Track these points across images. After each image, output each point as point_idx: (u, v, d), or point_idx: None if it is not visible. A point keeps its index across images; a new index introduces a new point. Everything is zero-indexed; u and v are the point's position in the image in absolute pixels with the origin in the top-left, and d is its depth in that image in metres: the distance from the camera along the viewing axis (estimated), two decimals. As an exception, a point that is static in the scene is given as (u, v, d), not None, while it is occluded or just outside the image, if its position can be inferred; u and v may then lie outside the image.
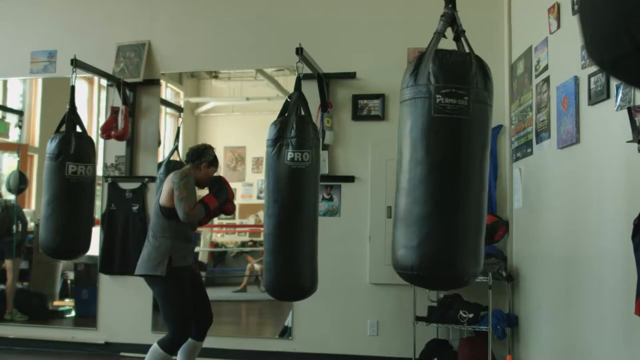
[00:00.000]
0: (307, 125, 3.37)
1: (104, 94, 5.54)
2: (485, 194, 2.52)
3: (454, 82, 2.37)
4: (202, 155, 3.67)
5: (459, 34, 2.55)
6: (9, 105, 6.13)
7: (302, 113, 3.46)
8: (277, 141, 3.32)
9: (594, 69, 3.04)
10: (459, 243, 2.43)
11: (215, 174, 3.79)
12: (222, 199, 3.68)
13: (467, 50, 2.53)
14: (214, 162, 3.72)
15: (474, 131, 2.43)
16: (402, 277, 2.51)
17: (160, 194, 3.62)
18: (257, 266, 7.15)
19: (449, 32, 2.57)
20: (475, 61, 2.44)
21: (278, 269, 3.35)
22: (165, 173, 4.68)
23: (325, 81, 4.85)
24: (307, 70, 4.36)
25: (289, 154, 3.27)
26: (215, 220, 7.51)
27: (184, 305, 3.47)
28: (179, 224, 3.53)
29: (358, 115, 4.94)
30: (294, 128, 3.30)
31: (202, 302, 3.72)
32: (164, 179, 3.69)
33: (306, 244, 3.41)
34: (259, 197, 7.34)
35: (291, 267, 3.35)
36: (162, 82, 5.46)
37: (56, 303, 6.13)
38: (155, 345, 3.44)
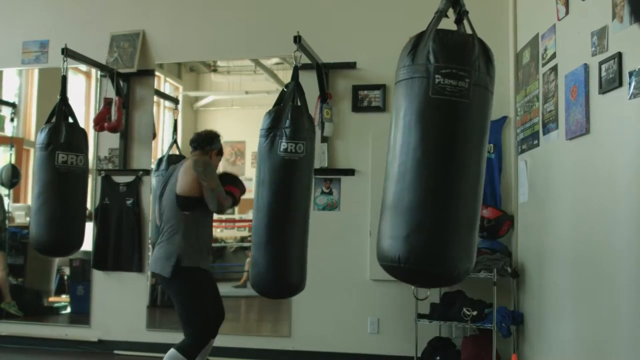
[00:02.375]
0: (302, 115, 3.25)
1: (102, 88, 5.43)
2: (482, 185, 2.37)
3: (455, 62, 2.22)
4: (213, 142, 3.49)
5: (461, 16, 2.41)
6: (4, 98, 6.02)
7: (299, 103, 3.34)
8: (271, 131, 3.20)
9: (605, 55, 2.91)
10: (452, 236, 2.25)
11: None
12: (241, 187, 3.57)
13: (470, 32, 2.40)
14: (222, 150, 3.60)
15: (473, 117, 2.28)
16: (386, 270, 2.33)
17: (175, 185, 3.33)
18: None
19: (450, 15, 2.45)
20: (478, 43, 2.31)
21: (264, 264, 3.25)
22: (167, 168, 4.51)
23: (324, 71, 4.73)
24: (306, 60, 4.28)
25: (283, 145, 3.15)
26: (214, 215, 7.41)
27: (201, 307, 3.25)
28: (196, 219, 3.32)
29: (358, 106, 4.81)
30: (289, 118, 3.19)
31: (214, 299, 3.50)
32: (169, 174, 3.45)
33: (296, 240, 3.30)
34: (258, 192, 7.25)
35: (279, 262, 3.24)
36: (159, 74, 5.35)
37: (52, 299, 6.04)
38: (173, 351, 3.20)
